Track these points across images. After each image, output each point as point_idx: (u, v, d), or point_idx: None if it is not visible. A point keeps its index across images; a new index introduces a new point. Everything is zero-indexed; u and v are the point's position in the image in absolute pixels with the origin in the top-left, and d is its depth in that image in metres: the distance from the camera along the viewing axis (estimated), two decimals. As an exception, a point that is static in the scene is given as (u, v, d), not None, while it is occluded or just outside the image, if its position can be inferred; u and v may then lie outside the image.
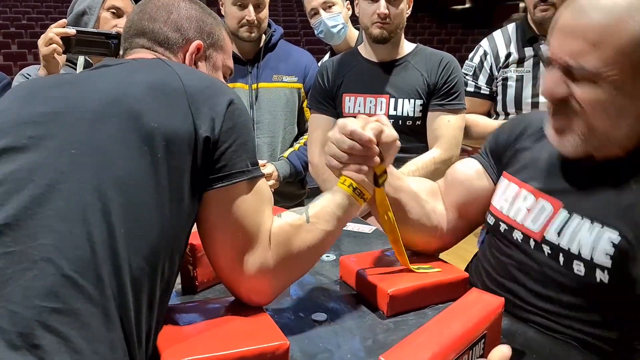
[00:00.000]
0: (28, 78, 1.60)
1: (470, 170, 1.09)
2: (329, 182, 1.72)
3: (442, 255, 1.09)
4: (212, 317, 0.78)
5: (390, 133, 0.90)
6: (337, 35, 2.06)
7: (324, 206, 0.85)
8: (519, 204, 0.95)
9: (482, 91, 1.89)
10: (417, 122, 1.70)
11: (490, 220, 1.02)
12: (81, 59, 1.63)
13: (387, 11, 1.61)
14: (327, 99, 1.78)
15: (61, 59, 1.44)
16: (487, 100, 1.90)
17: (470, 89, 1.89)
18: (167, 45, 0.90)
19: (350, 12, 2.11)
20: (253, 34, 1.82)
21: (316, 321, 0.87)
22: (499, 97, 1.88)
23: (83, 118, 0.71)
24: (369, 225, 1.39)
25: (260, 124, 1.87)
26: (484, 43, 1.92)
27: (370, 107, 1.72)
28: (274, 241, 0.79)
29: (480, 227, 1.16)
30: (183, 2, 0.94)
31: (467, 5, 14.12)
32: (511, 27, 1.90)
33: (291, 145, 1.96)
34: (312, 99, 1.83)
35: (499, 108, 1.88)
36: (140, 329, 0.66)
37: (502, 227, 0.98)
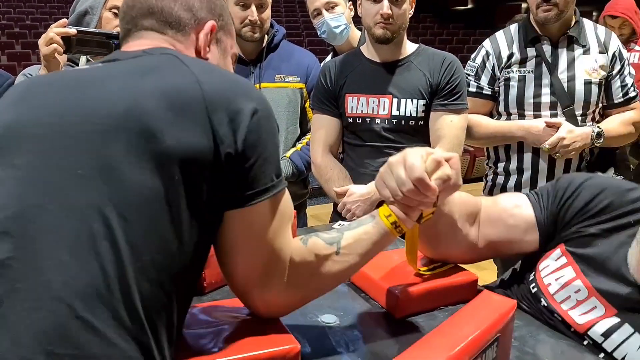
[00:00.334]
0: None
1: (521, 219, 1.00)
2: (331, 183, 1.72)
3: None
4: (221, 320, 0.78)
5: (457, 180, 0.80)
6: (340, 36, 2.05)
7: (359, 239, 0.79)
8: (569, 292, 0.90)
9: (484, 91, 1.89)
10: (420, 122, 1.70)
11: (532, 287, 0.96)
12: (83, 59, 1.62)
13: (390, 11, 1.61)
14: (329, 99, 1.77)
15: (62, 59, 1.43)
16: (489, 101, 1.90)
17: (473, 89, 1.88)
18: (179, 26, 0.80)
19: (352, 13, 2.11)
20: (256, 34, 1.81)
21: (326, 323, 0.87)
22: (501, 98, 1.87)
23: (90, 132, 0.63)
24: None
25: (263, 124, 1.86)
26: (486, 43, 1.92)
27: (373, 107, 1.71)
28: (295, 268, 0.74)
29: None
30: None
31: (469, 6, 14.12)
32: (513, 28, 1.90)
33: (293, 145, 1.95)
34: (314, 99, 1.83)
35: (501, 108, 1.88)
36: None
37: (543, 302, 0.93)
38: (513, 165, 1.86)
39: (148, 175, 0.62)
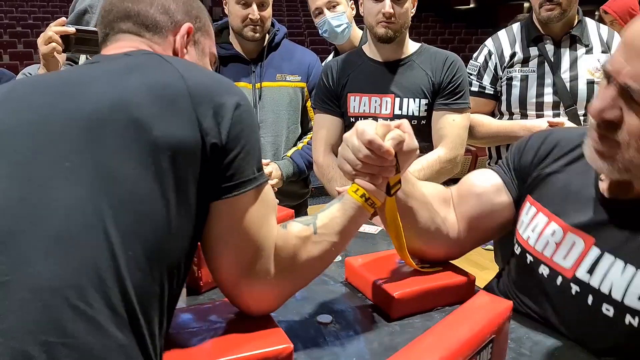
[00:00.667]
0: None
1: (488, 183, 1.03)
2: (334, 182, 1.71)
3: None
4: (214, 320, 0.77)
5: (411, 143, 0.84)
6: (341, 35, 2.05)
7: (333, 217, 0.81)
8: (547, 237, 0.90)
9: (486, 91, 1.88)
10: (422, 121, 1.69)
11: (517, 249, 0.97)
12: (83, 58, 1.63)
13: (392, 10, 1.60)
14: (331, 98, 1.77)
15: (61, 57, 1.43)
16: (492, 100, 1.89)
17: (475, 88, 1.88)
18: (156, 29, 0.82)
19: (354, 12, 2.10)
20: (257, 33, 1.81)
21: (321, 323, 0.87)
22: (504, 97, 1.86)
23: (76, 127, 0.63)
24: (375, 225, 1.38)
25: (264, 124, 1.86)
26: (489, 42, 1.91)
27: (375, 106, 1.71)
28: (279, 253, 0.75)
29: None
30: None
31: (471, 5, 14.09)
32: (516, 27, 1.89)
33: (294, 145, 1.95)
34: (316, 98, 1.83)
35: (504, 108, 1.87)
36: (155, 351, 0.63)
37: (529, 258, 0.93)
38: (515, 164, 1.86)
39: (136, 166, 0.62)
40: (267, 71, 1.89)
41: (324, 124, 1.78)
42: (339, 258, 1.13)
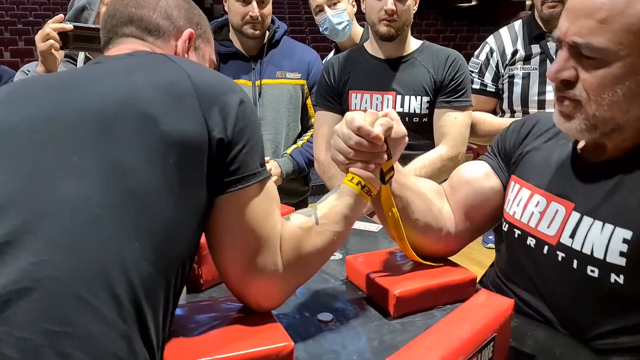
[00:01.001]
0: (28, 74, 1.59)
1: (478, 171, 1.06)
2: (335, 180, 1.71)
3: (447, 254, 1.07)
4: (215, 317, 0.77)
5: (399, 129, 0.87)
6: (342, 33, 2.04)
7: (333, 206, 0.83)
8: (531, 208, 0.93)
9: (488, 88, 1.88)
10: (424, 119, 1.69)
11: (505, 226, 1.00)
12: (81, 55, 1.62)
13: (394, 7, 1.60)
14: (333, 95, 1.77)
15: (59, 54, 1.42)
16: (493, 98, 1.89)
17: (476, 86, 1.87)
18: (158, 33, 0.85)
19: (355, 9, 2.10)
20: (257, 31, 1.81)
21: (322, 321, 0.86)
22: (505, 95, 1.86)
23: (83, 122, 0.64)
24: (376, 223, 1.38)
25: (264, 121, 1.86)
26: (490, 40, 1.90)
27: (376, 104, 1.71)
28: (284, 245, 0.76)
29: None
30: None
31: (473, 3, 14.06)
32: (518, 24, 1.88)
33: (294, 142, 1.95)
34: (318, 95, 1.82)
35: (505, 106, 1.87)
36: (158, 344, 0.63)
37: (516, 233, 0.95)
38: (516, 163, 1.85)
39: (144, 159, 0.64)
40: (267, 68, 1.88)
41: (325, 121, 1.77)
42: (339, 256, 1.14)
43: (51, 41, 1.37)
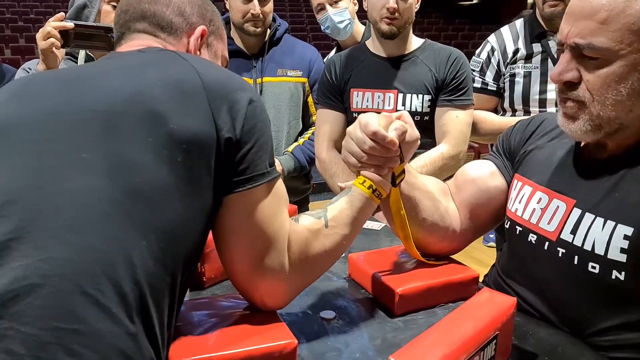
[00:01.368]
0: (29, 72, 1.59)
1: (484, 170, 1.07)
2: (336, 178, 1.71)
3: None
4: (219, 315, 0.77)
5: (413, 133, 0.87)
6: (344, 31, 2.04)
7: (342, 209, 0.82)
8: (533, 205, 0.93)
9: (489, 87, 1.88)
10: (425, 117, 1.69)
11: (507, 224, 1.00)
12: (82, 53, 1.61)
13: (396, 5, 1.59)
14: (334, 94, 1.77)
15: (60, 53, 1.42)
16: (494, 97, 1.89)
17: (477, 85, 1.87)
18: (171, 30, 0.84)
19: (356, 8, 2.10)
20: (258, 28, 1.81)
21: (325, 319, 0.86)
22: (507, 94, 1.86)
23: (92, 119, 0.64)
24: (378, 222, 1.38)
25: (265, 119, 1.86)
26: (492, 39, 1.90)
27: (378, 102, 1.71)
28: (291, 246, 0.75)
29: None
30: None
31: (475, 1, 14.04)
32: (519, 23, 1.88)
33: (295, 140, 1.95)
34: (319, 94, 1.82)
35: (506, 104, 1.87)
36: (163, 342, 0.63)
37: (518, 229, 0.96)
38: (517, 161, 1.85)
39: (152, 157, 0.63)
40: (268, 66, 1.88)
41: (326, 119, 1.77)
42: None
43: (52, 39, 1.37)
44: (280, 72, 1.90)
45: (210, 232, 0.74)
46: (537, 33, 1.80)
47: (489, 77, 1.87)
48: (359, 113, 1.72)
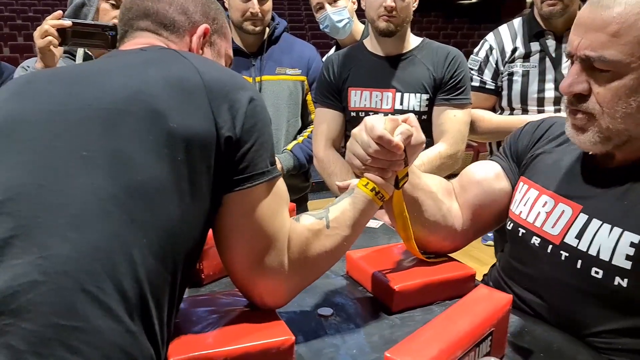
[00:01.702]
0: (27, 70, 1.59)
1: (489, 172, 1.06)
2: (334, 177, 1.71)
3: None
4: (217, 312, 0.78)
5: (419, 136, 0.86)
6: (343, 30, 2.05)
7: (344, 210, 0.82)
8: (538, 208, 0.93)
9: (487, 86, 1.88)
10: (423, 116, 1.69)
11: (509, 225, 1.00)
12: (80, 51, 1.61)
13: (393, 4, 1.60)
14: (332, 92, 1.77)
15: (57, 51, 1.42)
16: (492, 95, 1.89)
17: (476, 83, 1.87)
18: (174, 28, 0.84)
19: (355, 6, 2.10)
20: (257, 27, 1.81)
21: (322, 316, 0.87)
22: (505, 92, 1.86)
23: (94, 117, 0.65)
24: (376, 220, 1.39)
25: (264, 118, 1.86)
26: (490, 37, 1.90)
27: (376, 101, 1.71)
28: (292, 246, 0.76)
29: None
30: None
31: (474, 0, 14.03)
32: (517, 22, 1.88)
33: (295, 138, 1.95)
34: (317, 92, 1.83)
35: (504, 103, 1.87)
36: (163, 340, 0.64)
37: (521, 231, 0.96)
38: (515, 160, 1.86)
39: (153, 155, 0.64)
40: (267, 64, 1.89)
41: (324, 118, 1.78)
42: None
43: (50, 38, 1.36)
44: (279, 71, 1.90)
45: (210, 230, 0.74)
46: (535, 32, 1.80)
47: (487, 75, 1.87)
48: (357, 112, 1.73)
